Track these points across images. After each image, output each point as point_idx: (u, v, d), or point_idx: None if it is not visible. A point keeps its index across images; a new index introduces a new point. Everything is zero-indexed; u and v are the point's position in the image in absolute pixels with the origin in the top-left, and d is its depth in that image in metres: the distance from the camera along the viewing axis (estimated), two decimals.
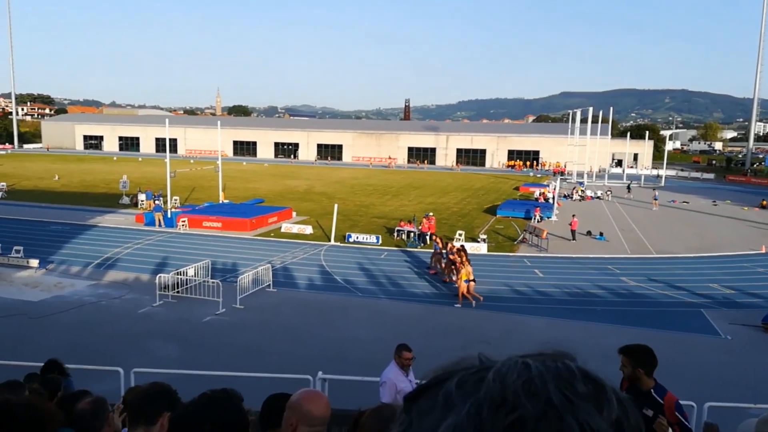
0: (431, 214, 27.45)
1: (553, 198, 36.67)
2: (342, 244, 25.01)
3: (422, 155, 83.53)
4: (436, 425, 0.52)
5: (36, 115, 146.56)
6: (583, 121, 61.60)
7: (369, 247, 24.67)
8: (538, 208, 33.28)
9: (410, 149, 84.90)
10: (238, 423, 1.69)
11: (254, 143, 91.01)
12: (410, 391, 0.58)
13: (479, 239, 25.37)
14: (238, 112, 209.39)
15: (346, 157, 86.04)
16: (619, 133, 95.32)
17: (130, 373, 8.70)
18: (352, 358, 12.56)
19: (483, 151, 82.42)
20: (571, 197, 44.26)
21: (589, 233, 28.15)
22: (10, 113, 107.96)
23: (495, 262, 22.46)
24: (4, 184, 40.36)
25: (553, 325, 15.42)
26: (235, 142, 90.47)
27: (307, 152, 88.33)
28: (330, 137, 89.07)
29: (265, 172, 62.07)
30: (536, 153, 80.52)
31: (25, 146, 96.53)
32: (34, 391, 4.95)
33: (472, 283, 17.10)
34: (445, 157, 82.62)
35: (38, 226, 27.31)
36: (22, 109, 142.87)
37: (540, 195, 41.48)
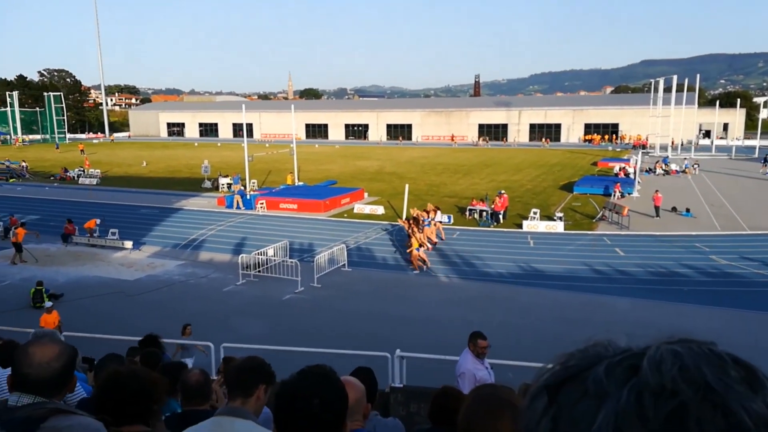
0: (504, 192, 26.92)
1: (635, 173, 34.96)
2: None
3: (494, 132, 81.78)
4: (592, 412, 0.53)
5: (123, 105, 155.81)
6: (667, 90, 57.94)
7: (441, 226, 24.55)
8: (618, 184, 31.86)
9: (481, 126, 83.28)
10: (343, 398, 1.76)
11: (325, 125, 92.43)
12: (551, 379, 0.59)
13: (555, 217, 24.66)
14: (309, 95, 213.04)
15: (416, 136, 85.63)
16: (706, 102, 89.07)
17: (219, 347, 9.22)
18: (427, 336, 12.67)
19: (558, 126, 79.55)
20: (654, 171, 42.01)
21: (674, 209, 26.68)
22: (101, 104, 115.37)
23: (572, 241, 21.79)
24: (99, 171, 43.36)
25: (637, 306, 14.84)
26: (307, 125, 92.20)
27: (377, 132, 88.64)
28: (399, 117, 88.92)
29: (336, 153, 63.03)
30: (615, 126, 76.76)
31: (115, 135, 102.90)
32: (135, 364, 5.34)
33: (422, 249, 18.82)
34: (518, 133, 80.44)
35: (130, 210, 29.17)
36: (111, 100, 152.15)
37: (620, 170, 39.65)
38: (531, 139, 79.22)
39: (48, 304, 13.11)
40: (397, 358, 8.45)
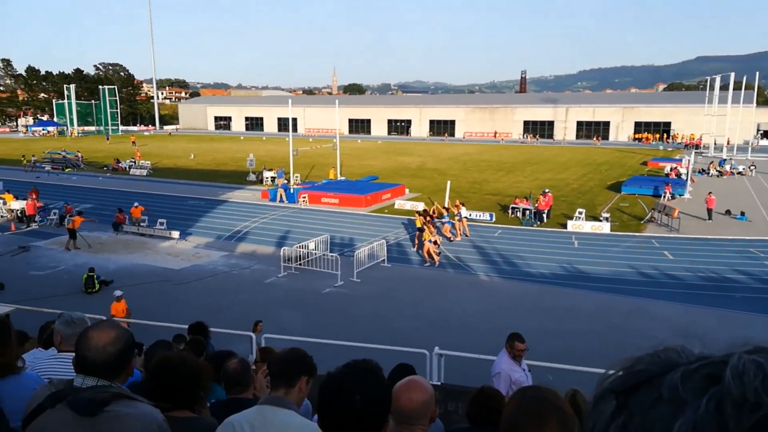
0: (548, 190, 26.43)
1: (687, 174, 33.74)
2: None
3: (539, 129, 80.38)
4: (667, 420, 0.52)
5: (173, 99, 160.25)
6: (723, 88, 55.62)
7: (482, 224, 24.35)
8: (669, 185, 30.81)
9: (526, 123, 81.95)
10: (385, 395, 1.76)
11: (368, 121, 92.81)
12: (618, 384, 0.58)
13: (601, 218, 24.06)
14: (353, 90, 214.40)
15: (459, 132, 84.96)
16: (765, 101, 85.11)
17: (261, 338, 9.40)
18: (464, 335, 12.58)
19: (606, 124, 77.51)
20: (708, 173, 40.44)
21: (728, 212, 25.63)
22: (152, 97, 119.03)
23: (619, 242, 21.23)
24: (149, 162, 44.76)
25: (686, 312, 14.34)
26: (350, 120, 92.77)
27: (420, 128, 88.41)
28: (442, 113, 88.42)
29: (378, 149, 63.16)
30: (667, 125, 74.20)
31: (165, 127, 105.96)
32: (184, 351, 5.49)
33: (433, 245, 19.02)
34: (565, 131, 78.81)
35: (178, 201, 30.03)
36: (162, 94, 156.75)
37: (671, 170, 38.31)
38: (578, 136, 77.53)
39: (118, 292, 13.20)
40: (435, 356, 8.43)
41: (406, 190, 32.31)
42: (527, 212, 25.13)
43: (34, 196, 25.25)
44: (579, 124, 78.92)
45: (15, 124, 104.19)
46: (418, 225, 20.11)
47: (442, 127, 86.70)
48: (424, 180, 37.06)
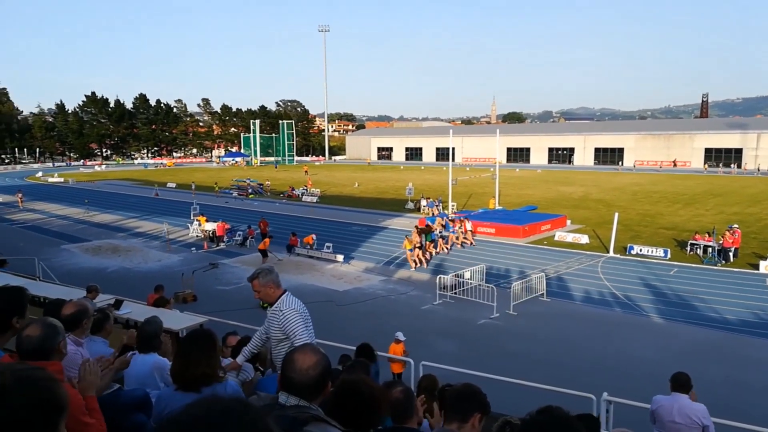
0: (736, 226, 23.51)
1: None
2: (622, 257, 23.22)
3: (723, 157, 72.03)
4: None
5: (342, 131, 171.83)
6: None
7: (655, 261, 22.37)
8: None
9: (708, 151, 73.98)
10: None
11: (527, 149, 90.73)
12: None
13: None
14: (512, 119, 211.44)
15: (628, 161, 79.26)
16: None
17: (419, 365, 9.58)
18: (633, 380, 11.57)
19: None
20: None
21: None
22: (323, 130, 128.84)
23: None
24: (318, 190, 48.34)
25: None
26: (509, 149, 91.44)
27: (584, 157, 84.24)
28: (609, 140, 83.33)
29: (538, 178, 61.31)
30: None
31: (334, 158, 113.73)
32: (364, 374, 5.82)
33: (416, 251, 21.98)
34: (756, 159, 69.63)
35: (343, 227, 31.95)
36: (332, 127, 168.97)
37: None
38: None
39: (401, 337, 12.10)
40: (603, 402, 7.89)
41: (568, 222, 30.87)
42: (710, 249, 22.56)
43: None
44: None
45: (210, 155, 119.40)
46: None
47: (608, 156, 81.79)
48: (588, 211, 35.13)
